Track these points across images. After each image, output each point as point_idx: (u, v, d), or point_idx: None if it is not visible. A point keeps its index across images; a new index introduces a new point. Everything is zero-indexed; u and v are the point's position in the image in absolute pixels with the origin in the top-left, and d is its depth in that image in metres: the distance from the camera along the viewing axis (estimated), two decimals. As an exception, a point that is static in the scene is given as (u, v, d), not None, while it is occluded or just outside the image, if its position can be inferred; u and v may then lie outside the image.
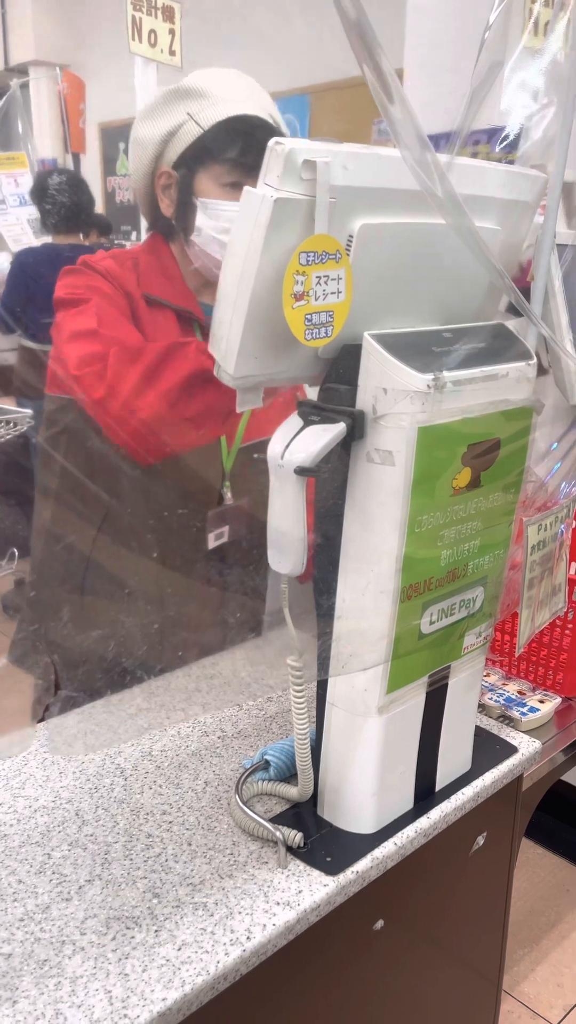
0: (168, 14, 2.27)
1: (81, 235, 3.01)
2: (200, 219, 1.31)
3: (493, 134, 1.04)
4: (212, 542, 1.42)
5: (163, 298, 1.34)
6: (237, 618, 1.48)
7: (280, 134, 1.31)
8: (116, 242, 5.01)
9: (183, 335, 1.35)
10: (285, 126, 1.39)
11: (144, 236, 1.58)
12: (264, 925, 0.89)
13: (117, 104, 2.38)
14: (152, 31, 2.24)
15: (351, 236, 0.83)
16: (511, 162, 1.02)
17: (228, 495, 1.44)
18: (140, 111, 1.34)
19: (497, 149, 0.97)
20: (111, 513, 1.33)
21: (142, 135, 1.32)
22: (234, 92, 1.31)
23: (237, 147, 1.27)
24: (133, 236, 5.90)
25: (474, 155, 1.00)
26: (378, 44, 0.64)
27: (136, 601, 1.35)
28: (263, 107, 1.31)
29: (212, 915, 0.91)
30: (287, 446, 0.87)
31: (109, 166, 6.86)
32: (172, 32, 2.33)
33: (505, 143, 0.97)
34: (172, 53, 2.37)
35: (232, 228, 0.79)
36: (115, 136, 6.51)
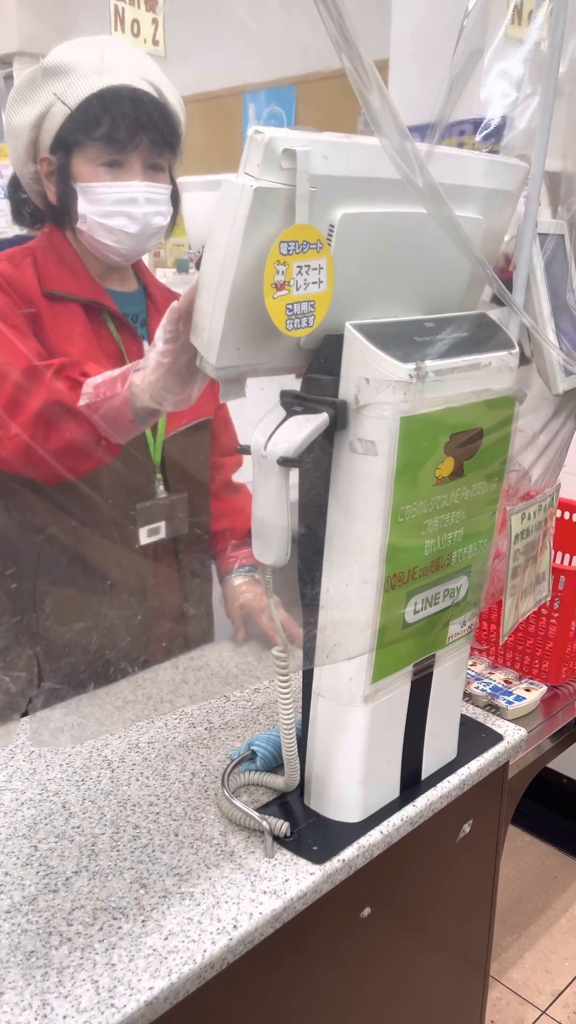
0: (151, 4, 2.26)
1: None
2: (82, 205, 1.23)
3: (479, 124, 1.04)
4: (145, 538, 1.35)
5: (66, 292, 1.27)
6: (179, 625, 1.45)
7: (160, 102, 1.23)
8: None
9: (92, 329, 1.28)
10: (172, 88, 1.29)
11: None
12: (251, 914, 0.90)
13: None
14: (135, 20, 2.22)
15: (332, 226, 0.83)
16: (496, 152, 1.02)
17: (161, 488, 1.37)
18: (9, 97, 1.23)
19: (479, 138, 0.97)
20: (49, 515, 1.26)
21: (13, 123, 1.23)
22: (101, 63, 1.20)
23: (107, 123, 1.18)
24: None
25: (460, 145, 1.00)
26: (355, 34, 0.64)
27: (81, 604, 1.31)
28: (138, 73, 1.22)
29: (199, 904, 0.91)
30: (270, 437, 0.87)
31: (95, 158, 6.79)
32: (155, 22, 2.32)
33: (486, 132, 0.97)
34: (156, 43, 2.36)
35: (212, 218, 0.79)
36: (100, 127, 6.45)
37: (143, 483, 1.35)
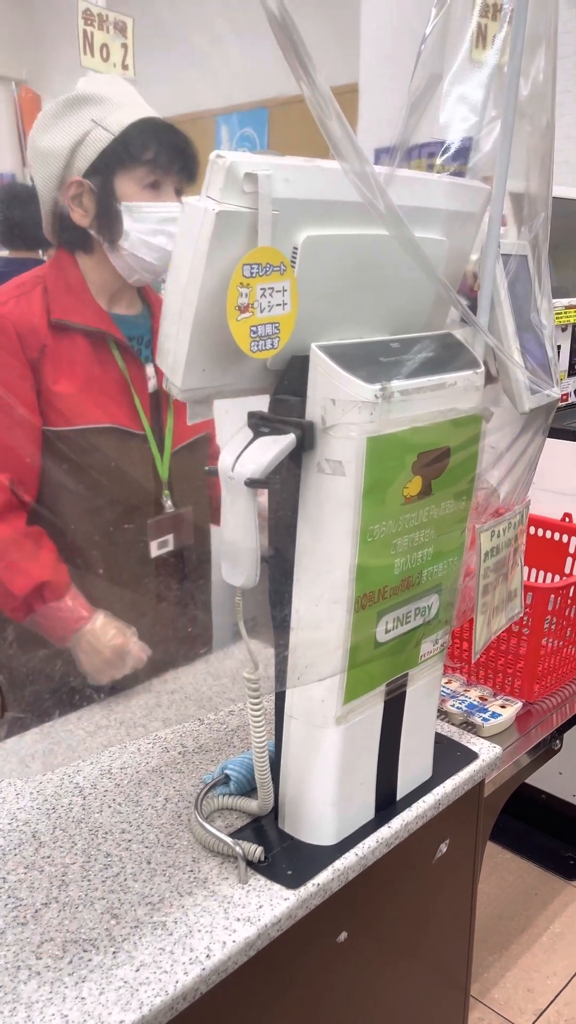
0: (120, 28, 2.27)
1: (40, 251, 3.00)
2: (127, 223, 1.30)
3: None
4: (155, 551, 1.41)
5: (74, 321, 1.33)
6: (189, 633, 1.48)
7: (183, 133, 1.33)
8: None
9: (98, 358, 1.35)
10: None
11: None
12: (224, 942, 0.88)
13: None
14: (104, 45, 2.24)
15: (296, 248, 0.83)
16: (463, 173, 1.03)
17: (168, 503, 1.44)
18: (37, 123, 1.32)
19: (439, 161, 0.98)
20: (52, 532, 1.32)
21: (45, 147, 1.30)
22: (130, 96, 1.32)
23: (152, 148, 1.28)
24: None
25: (430, 166, 1.01)
26: (313, 63, 0.65)
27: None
28: (149, 109, 1.33)
29: (171, 934, 0.89)
30: (237, 458, 0.87)
31: (68, 180, 6.83)
32: (125, 46, 2.33)
33: (446, 155, 0.98)
34: (125, 67, 2.38)
35: (175, 241, 0.79)
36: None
37: (153, 499, 1.42)
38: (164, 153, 1.29)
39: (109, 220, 1.31)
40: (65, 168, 1.31)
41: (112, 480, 1.34)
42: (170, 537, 1.42)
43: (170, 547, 1.42)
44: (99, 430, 1.34)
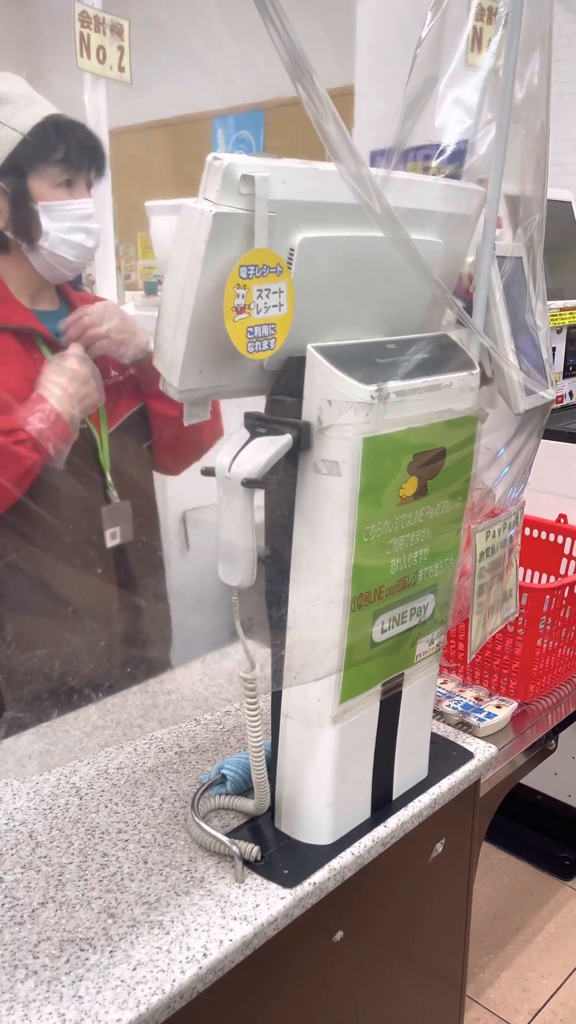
0: (117, 31, 2.27)
1: None
2: (45, 223, 1.29)
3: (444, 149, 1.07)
4: (109, 541, 1.41)
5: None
6: (152, 627, 1.48)
7: (87, 127, 1.33)
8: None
9: (27, 354, 1.34)
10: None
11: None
12: (221, 941, 0.89)
13: (69, 120, 2.36)
14: (100, 48, 2.24)
15: (292, 249, 0.84)
16: (458, 175, 1.04)
17: (114, 494, 1.43)
18: None
19: (435, 164, 0.98)
20: (8, 541, 1.31)
21: None
22: (31, 94, 1.30)
23: (62, 146, 1.28)
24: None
25: (425, 169, 1.02)
26: (310, 65, 0.66)
27: (42, 618, 1.34)
28: (55, 108, 1.33)
29: (168, 933, 0.90)
30: (234, 458, 0.88)
31: (64, 182, 6.83)
32: (121, 49, 2.33)
33: (441, 158, 0.99)
34: (121, 70, 2.37)
35: (172, 242, 0.80)
36: (70, 152, 6.50)
37: (99, 489, 1.42)
38: (75, 151, 1.29)
39: (26, 221, 1.30)
40: None
41: (57, 476, 1.33)
42: (118, 529, 1.42)
43: (119, 539, 1.42)
44: None
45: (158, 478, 1.58)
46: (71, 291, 1.47)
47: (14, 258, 1.35)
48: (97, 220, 1.36)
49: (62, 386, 1.28)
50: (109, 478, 1.43)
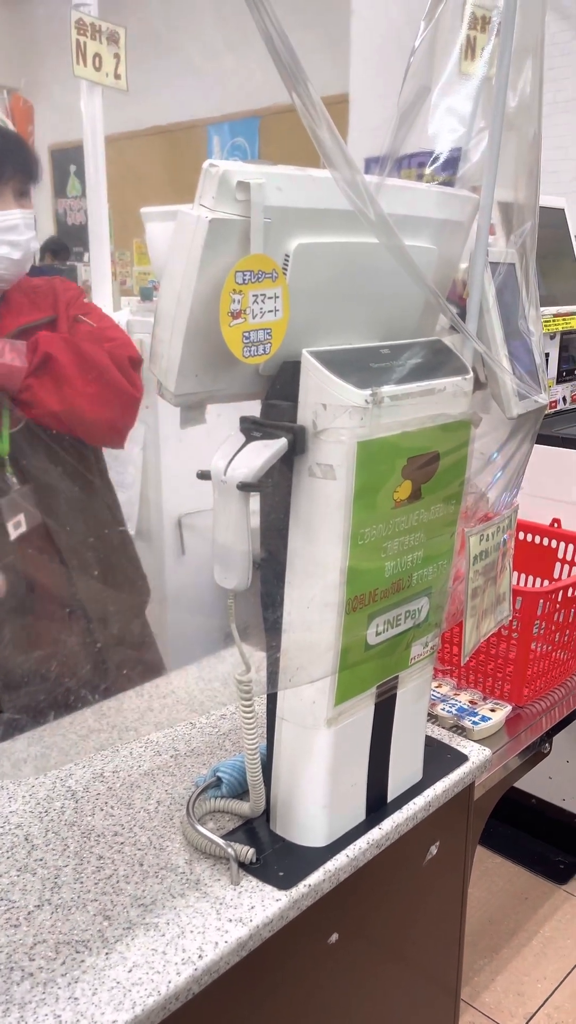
0: (113, 38, 2.28)
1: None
2: None
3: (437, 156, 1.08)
4: (12, 532, 1.39)
5: None
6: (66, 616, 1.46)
7: (16, 133, 1.33)
8: (69, 264, 5.00)
9: None
10: (8, 121, 1.42)
11: (92, 257, 1.57)
12: (216, 943, 0.89)
13: (67, 126, 2.39)
14: (97, 55, 2.25)
15: (287, 255, 0.85)
16: (451, 182, 1.05)
17: (14, 480, 1.41)
18: None
19: (428, 171, 1.00)
20: None
21: None
22: None
23: None
24: (85, 257, 5.90)
25: (419, 176, 1.03)
26: (304, 74, 0.66)
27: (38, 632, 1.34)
28: None
29: (163, 935, 0.90)
30: (229, 462, 0.88)
31: (60, 188, 6.86)
32: (117, 56, 2.34)
33: (435, 165, 1.00)
34: (117, 77, 2.38)
35: (169, 248, 0.80)
36: (65, 158, 6.52)
37: None
38: None
39: None
40: None
41: None
42: (22, 517, 1.41)
43: (24, 528, 1.40)
44: None
45: (154, 482, 1.58)
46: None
47: None
48: (30, 230, 1.32)
49: None
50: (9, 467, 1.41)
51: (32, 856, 1.02)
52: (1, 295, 1.41)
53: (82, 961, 0.87)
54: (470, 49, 1.13)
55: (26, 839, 1.05)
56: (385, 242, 0.85)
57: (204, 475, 0.91)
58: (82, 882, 0.98)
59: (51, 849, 1.03)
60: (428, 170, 1.00)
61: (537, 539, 1.77)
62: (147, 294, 2.89)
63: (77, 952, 0.88)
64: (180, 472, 2.36)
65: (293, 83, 0.68)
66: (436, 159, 0.99)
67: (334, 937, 1.07)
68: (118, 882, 0.98)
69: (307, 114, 0.71)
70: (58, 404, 1.35)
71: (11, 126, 1.37)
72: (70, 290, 1.49)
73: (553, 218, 2.42)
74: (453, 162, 1.06)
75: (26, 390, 1.34)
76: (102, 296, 2.40)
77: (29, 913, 0.93)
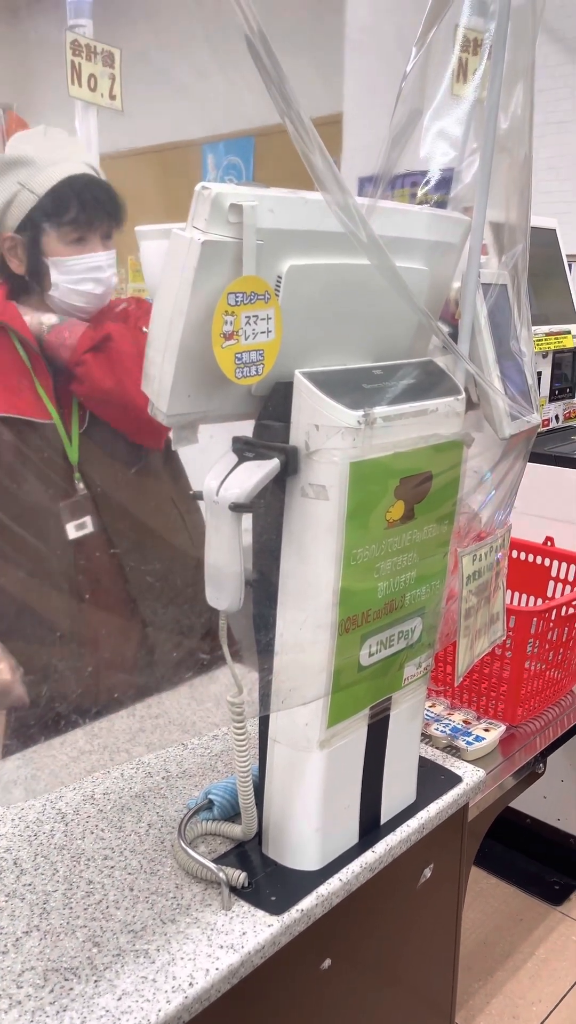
0: (108, 60, 2.30)
1: None
2: (55, 276, 1.41)
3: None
4: (72, 533, 1.45)
5: None
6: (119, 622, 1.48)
7: (107, 184, 1.43)
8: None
9: (4, 348, 1.42)
10: (102, 172, 1.53)
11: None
12: (207, 970, 0.88)
13: (60, 146, 2.39)
14: (92, 76, 2.27)
15: (280, 277, 0.85)
16: (444, 203, 1.06)
17: (80, 486, 1.47)
18: None
19: (421, 192, 1.00)
20: None
21: None
22: (58, 153, 1.41)
23: (73, 209, 1.38)
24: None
25: (412, 197, 1.04)
26: (296, 98, 0.67)
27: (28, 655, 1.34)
28: (82, 159, 1.43)
29: (154, 962, 0.89)
30: (222, 482, 0.88)
31: (55, 205, 6.88)
32: (112, 77, 2.36)
33: (428, 186, 1.00)
34: (112, 97, 2.40)
35: (161, 269, 0.80)
36: (61, 176, 6.55)
37: (64, 483, 1.47)
38: (85, 212, 1.39)
39: (38, 271, 1.42)
40: None
41: (19, 468, 1.40)
42: (87, 519, 1.47)
43: (88, 529, 1.46)
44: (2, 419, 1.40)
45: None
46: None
47: (37, 299, 1.46)
48: (112, 268, 1.44)
49: None
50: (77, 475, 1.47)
51: (21, 881, 1.00)
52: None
53: (71, 989, 0.85)
54: (462, 71, 1.13)
55: (15, 863, 1.03)
56: (377, 264, 0.85)
57: (196, 495, 0.90)
58: (71, 908, 0.96)
59: (40, 874, 1.02)
60: (421, 191, 1.01)
61: (530, 558, 1.77)
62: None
63: (66, 980, 0.86)
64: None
65: (286, 110, 0.68)
66: (428, 180, 1.00)
67: (327, 963, 1.06)
68: (108, 907, 0.96)
69: (299, 139, 0.71)
70: (110, 382, 1.42)
71: (100, 175, 1.47)
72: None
73: (545, 238, 2.44)
74: (446, 183, 1.07)
75: (81, 364, 1.41)
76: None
77: (17, 940, 0.92)
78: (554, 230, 2.49)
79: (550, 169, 4.03)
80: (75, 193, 1.38)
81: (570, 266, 2.56)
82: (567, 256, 2.54)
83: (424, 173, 1.05)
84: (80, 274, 1.41)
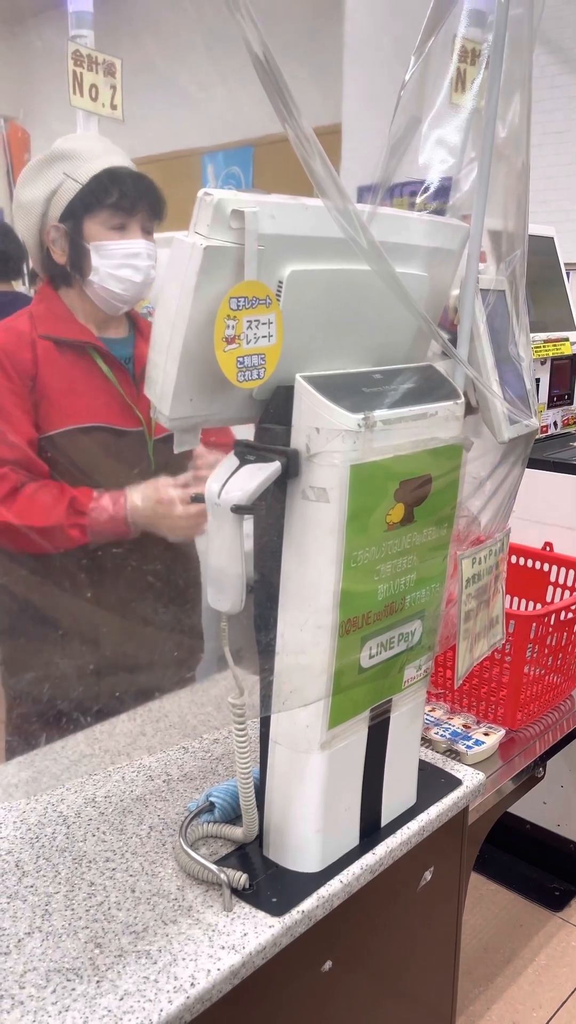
0: (109, 70, 2.32)
1: (22, 282, 3.05)
2: (95, 260, 1.44)
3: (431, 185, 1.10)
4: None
5: (59, 335, 1.47)
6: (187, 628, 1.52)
7: (147, 176, 1.47)
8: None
9: (84, 366, 1.48)
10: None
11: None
12: (208, 971, 0.88)
13: (62, 156, 2.41)
14: (93, 86, 2.29)
15: (281, 282, 0.86)
16: (443, 211, 1.07)
17: None
18: (20, 179, 1.50)
19: (419, 200, 1.01)
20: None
21: (26, 199, 1.46)
22: (102, 150, 1.48)
23: (114, 194, 1.42)
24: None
25: (411, 205, 1.05)
26: (297, 107, 0.68)
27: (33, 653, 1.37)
28: (122, 158, 1.48)
29: (155, 963, 0.89)
30: (223, 485, 0.89)
31: (56, 214, 6.91)
32: (113, 87, 2.38)
33: (427, 194, 1.02)
34: (114, 107, 2.42)
35: (164, 275, 0.81)
36: (61, 185, 6.59)
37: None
38: (126, 198, 1.43)
39: (79, 258, 1.46)
40: (43, 216, 1.46)
41: (106, 476, 1.44)
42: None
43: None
44: (89, 429, 1.46)
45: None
46: (141, 320, 1.60)
47: (77, 291, 1.50)
48: (151, 259, 1.47)
49: (150, 501, 1.39)
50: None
51: (23, 883, 1.01)
52: (132, 323, 1.57)
53: (73, 989, 0.86)
54: (460, 81, 1.15)
55: (17, 865, 1.04)
56: (377, 269, 0.86)
57: (198, 498, 0.91)
58: (73, 909, 0.97)
59: (42, 875, 1.02)
60: (420, 198, 1.02)
61: (529, 563, 1.77)
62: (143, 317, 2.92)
63: (68, 980, 0.87)
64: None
65: (286, 118, 0.69)
66: (427, 188, 1.01)
67: (328, 965, 1.06)
68: (109, 909, 0.97)
69: (300, 146, 0.72)
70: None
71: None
72: None
73: (543, 246, 2.46)
74: (444, 191, 1.08)
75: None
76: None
77: (19, 941, 0.92)
78: (552, 238, 2.51)
79: (548, 178, 4.06)
80: (118, 180, 1.43)
81: (568, 274, 2.58)
82: (565, 264, 2.56)
83: (423, 182, 1.07)
84: (120, 259, 1.45)
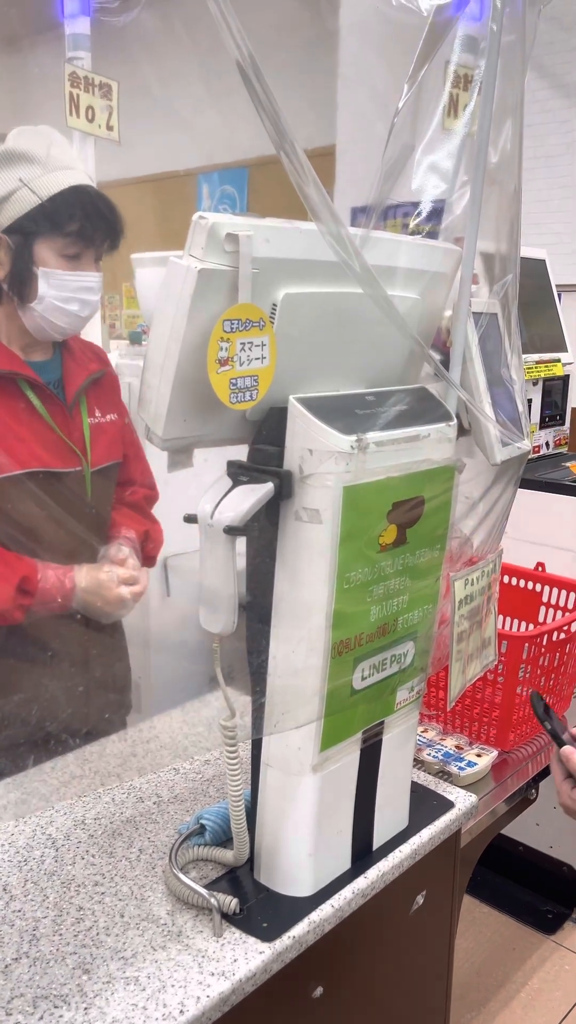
0: (105, 92, 2.34)
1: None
2: (43, 288, 1.29)
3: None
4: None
5: None
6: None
7: (109, 200, 1.34)
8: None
9: (11, 398, 1.34)
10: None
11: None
12: (198, 998, 0.87)
13: (57, 175, 2.43)
14: (89, 107, 2.31)
15: (275, 304, 0.86)
16: (436, 233, 1.08)
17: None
18: None
19: (413, 223, 1.02)
20: None
21: None
22: (63, 157, 1.30)
23: (77, 221, 1.28)
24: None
25: (404, 227, 1.06)
26: (291, 132, 0.69)
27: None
28: (83, 170, 1.32)
29: (144, 989, 0.88)
30: (216, 506, 0.89)
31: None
32: (110, 108, 2.40)
33: (420, 217, 1.02)
34: (110, 128, 2.44)
35: (159, 296, 0.82)
36: (57, 204, 6.61)
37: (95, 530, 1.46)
38: (89, 226, 1.29)
39: (22, 280, 1.30)
40: None
41: (43, 523, 1.34)
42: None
43: None
44: (22, 477, 1.32)
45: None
46: (69, 341, 1.46)
47: (6, 310, 1.35)
48: (98, 292, 1.36)
49: (94, 583, 1.35)
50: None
51: (10, 907, 0.99)
52: (62, 345, 1.45)
53: (60, 1016, 0.84)
54: (453, 107, 1.16)
55: (4, 889, 1.02)
56: (370, 292, 0.87)
57: (191, 518, 0.91)
58: (61, 934, 0.95)
59: (30, 900, 1.01)
60: (413, 221, 1.03)
61: (522, 583, 1.77)
62: (136, 338, 2.93)
63: (55, 1007, 0.85)
64: (167, 514, 2.36)
65: (280, 143, 0.70)
66: (420, 212, 1.02)
67: (319, 990, 1.05)
68: (98, 934, 0.95)
69: (294, 172, 0.73)
70: None
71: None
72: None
73: (535, 269, 2.48)
74: (437, 214, 1.09)
75: None
76: (91, 339, 2.42)
77: (6, 966, 0.91)
78: (544, 260, 2.54)
79: (540, 201, 4.10)
80: (81, 205, 1.28)
81: (559, 296, 2.60)
82: (557, 286, 2.58)
83: (416, 204, 1.08)
84: (71, 292, 1.31)
